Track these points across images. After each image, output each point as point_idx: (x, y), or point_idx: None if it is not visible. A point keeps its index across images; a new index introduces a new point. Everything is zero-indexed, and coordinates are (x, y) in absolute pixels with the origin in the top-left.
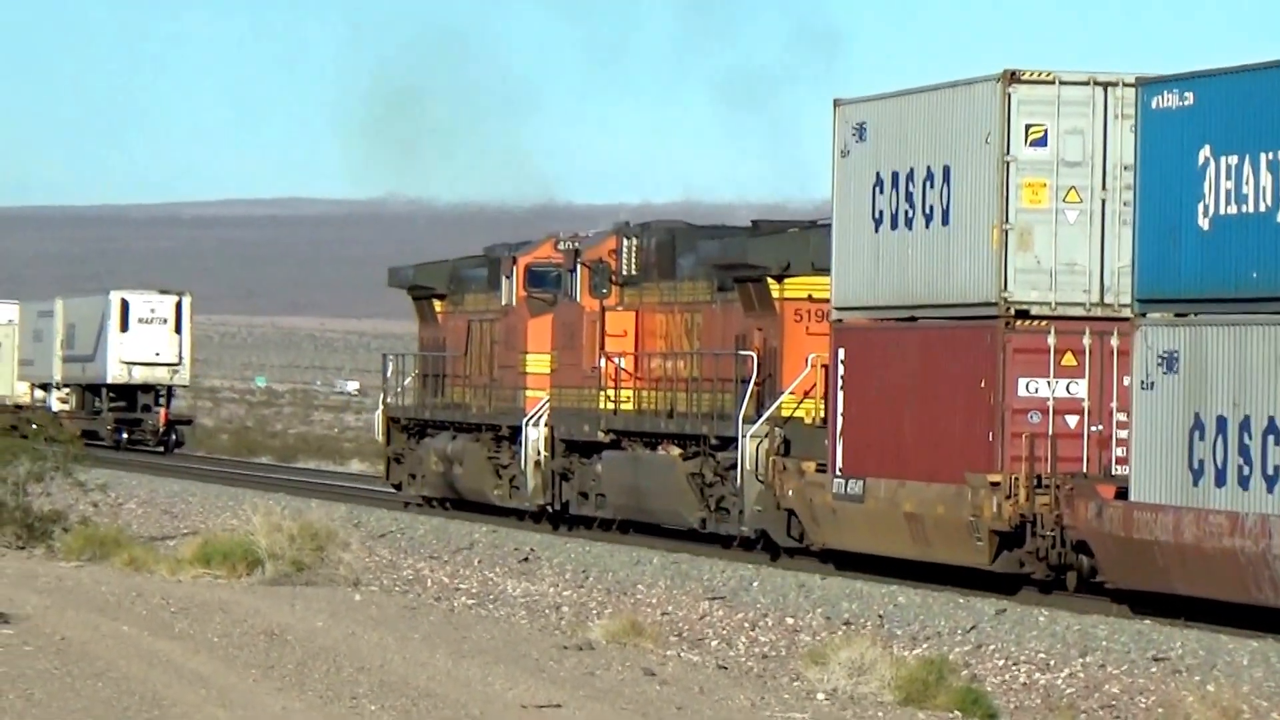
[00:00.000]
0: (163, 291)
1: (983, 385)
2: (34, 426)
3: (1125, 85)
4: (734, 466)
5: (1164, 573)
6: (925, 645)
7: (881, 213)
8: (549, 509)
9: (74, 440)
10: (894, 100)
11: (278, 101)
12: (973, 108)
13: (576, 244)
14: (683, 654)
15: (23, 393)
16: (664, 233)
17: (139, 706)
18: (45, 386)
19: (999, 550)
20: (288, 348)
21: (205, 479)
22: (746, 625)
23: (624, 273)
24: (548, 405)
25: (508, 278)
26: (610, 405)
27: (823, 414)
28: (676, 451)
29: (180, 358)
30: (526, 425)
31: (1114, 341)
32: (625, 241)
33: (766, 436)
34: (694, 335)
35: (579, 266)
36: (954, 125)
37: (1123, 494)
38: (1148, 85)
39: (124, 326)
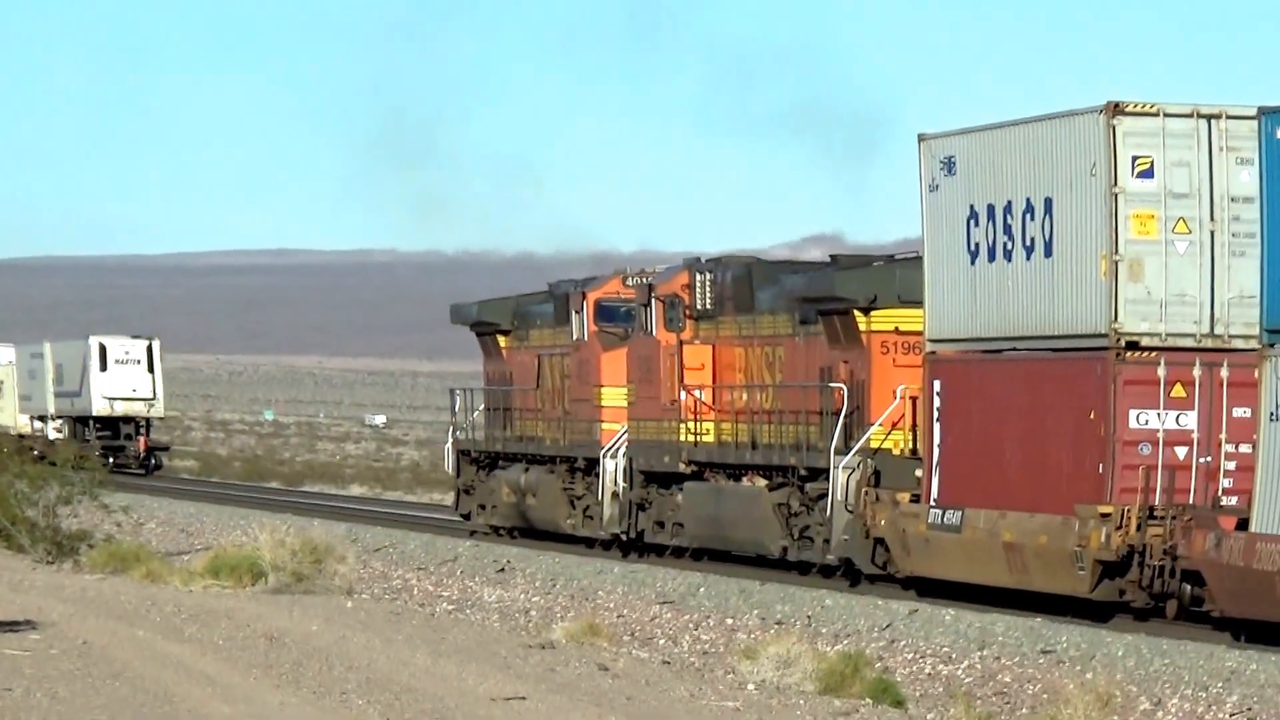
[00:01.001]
0: (134, 336)
1: (1092, 417)
2: (58, 454)
3: (1229, 117)
4: (822, 497)
5: (1275, 602)
6: (845, 642)
7: (977, 245)
8: (623, 537)
9: (100, 468)
10: (985, 134)
11: (278, 157)
12: (1075, 139)
13: (649, 279)
14: (634, 651)
15: (24, 424)
16: (740, 267)
17: (152, 703)
18: (42, 418)
19: (1100, 579)
20: (290, 384)
21: (220, 501)
22: (691, 626)
23: (698, 307)
24: (625, 438)
25: (578, 313)
26: (691, 437)
27: (910, 445)
28: (763, 483)
29: (154, 393)
30: (604, 457)
31: (1224, 373)
32: (698, 276)
33: (858, 468)
34: (775, 368)
35: (653, 301)
36: (1056, 157)
37: (1242, 525)
38: (1270, 115)
39: (103, 367)
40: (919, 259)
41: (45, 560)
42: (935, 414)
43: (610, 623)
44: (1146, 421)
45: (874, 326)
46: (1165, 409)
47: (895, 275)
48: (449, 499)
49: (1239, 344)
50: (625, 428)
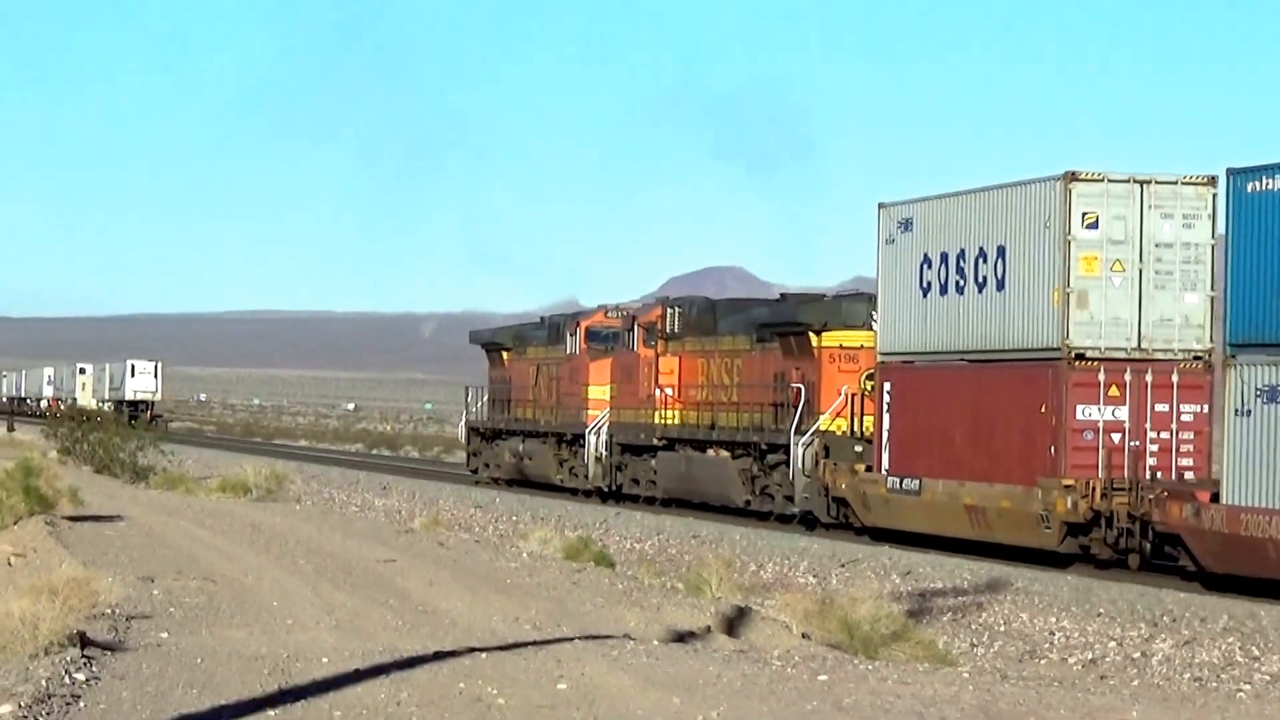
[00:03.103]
0: (149, 359)
1: (1043, 410)
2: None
3: (1157, 182)
4: (777, 466)
5: (1268, 563)
6: (579, 530)
7: (929, 283)
8: (605, 489)
9: (161, 431)
10: (940, 200)
11: (280, 226)
12: (1033, 200)
13: (631, 312)
14: (461, 534)
15: (94, 405)
16: (704, 303)
17: (185, 560)
18: (102, 401)
19: (1064, 537)
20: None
21: (227, 449)
22: (492, 521)
23: (668, 331)
24: (607, 420)
25: (571, 335)
26: (663, 420)
27: (848, 429)
28: (725, 454)
29: (157, 389)
30: (589, 432)
31: (1148, 378)
32: (668, 310)
33: (811, 444)
34: (734, 373)
35: (635, 326)
36: (1011, 215)
37: (1213, 499)
38: (1237, 174)
39: (132, 375)
40: (856, 295)
41: (129, 482)
42: (885, 406)
43: (446, 519)
44: (1089, 415)
45: (824, 343)
46: (1104, 404)
47: (840, 306)
48: (347, 445)
49: (1159, 356)
50: (606, 413)
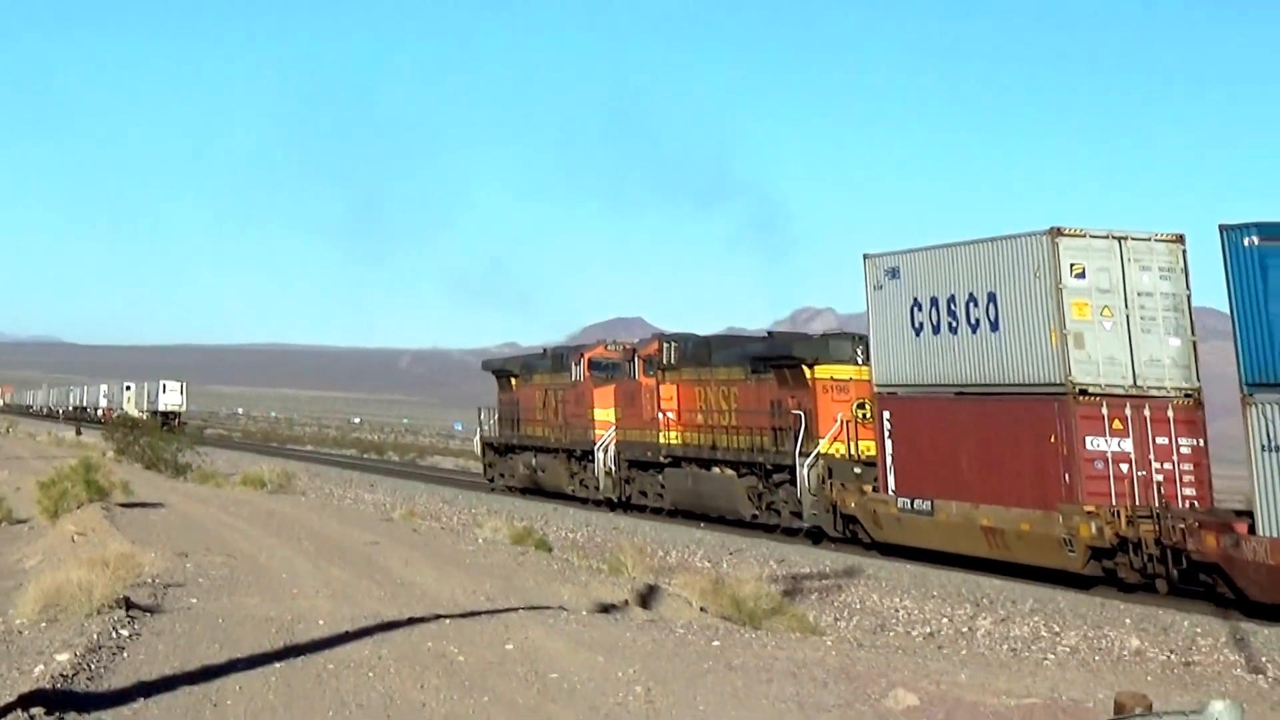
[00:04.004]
0: (175, 379)
1: (1052, 440)
2: (170, 430)
3: (1132, 239)
4: (782, 484)
5: None
6: (524, 521)
7: (921, 324)
8: (614, 499)
9: (194, 435)
10: (925, 252)
11: (290, 276)
12: (1021, 253)
13: (632, 346)
14: (430, 523)
15: (137, 414)
16: (700, 339)
17: (212, 539)
18: (141, 411)
19: (1088, 560)
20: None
21: (249, 451)
22: (460, 511)
23: (665, 362)
24: (613, 438)
25: (576, 365)
26: (665, 440)
27: (845, 452)
28: (731, 472)
29: (183, 403)
30: (598, 449)
31: (1146, 412)
32: (664, 344)
33: (815, 465)
34: (730, 400)
35: (636, 358)
36: (1000, 265)
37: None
38: (1231, 230)
39: (164, 390)
40: (842, 334)
41: (170, 476)
42: (886, 433)
43: (420, 511)
44: (1098, 445)
45: (817, 375)
46: (1110, 436)
47: (829, 344)
48: (343, 450)
49: (1153, 393)
50: (611, 432)
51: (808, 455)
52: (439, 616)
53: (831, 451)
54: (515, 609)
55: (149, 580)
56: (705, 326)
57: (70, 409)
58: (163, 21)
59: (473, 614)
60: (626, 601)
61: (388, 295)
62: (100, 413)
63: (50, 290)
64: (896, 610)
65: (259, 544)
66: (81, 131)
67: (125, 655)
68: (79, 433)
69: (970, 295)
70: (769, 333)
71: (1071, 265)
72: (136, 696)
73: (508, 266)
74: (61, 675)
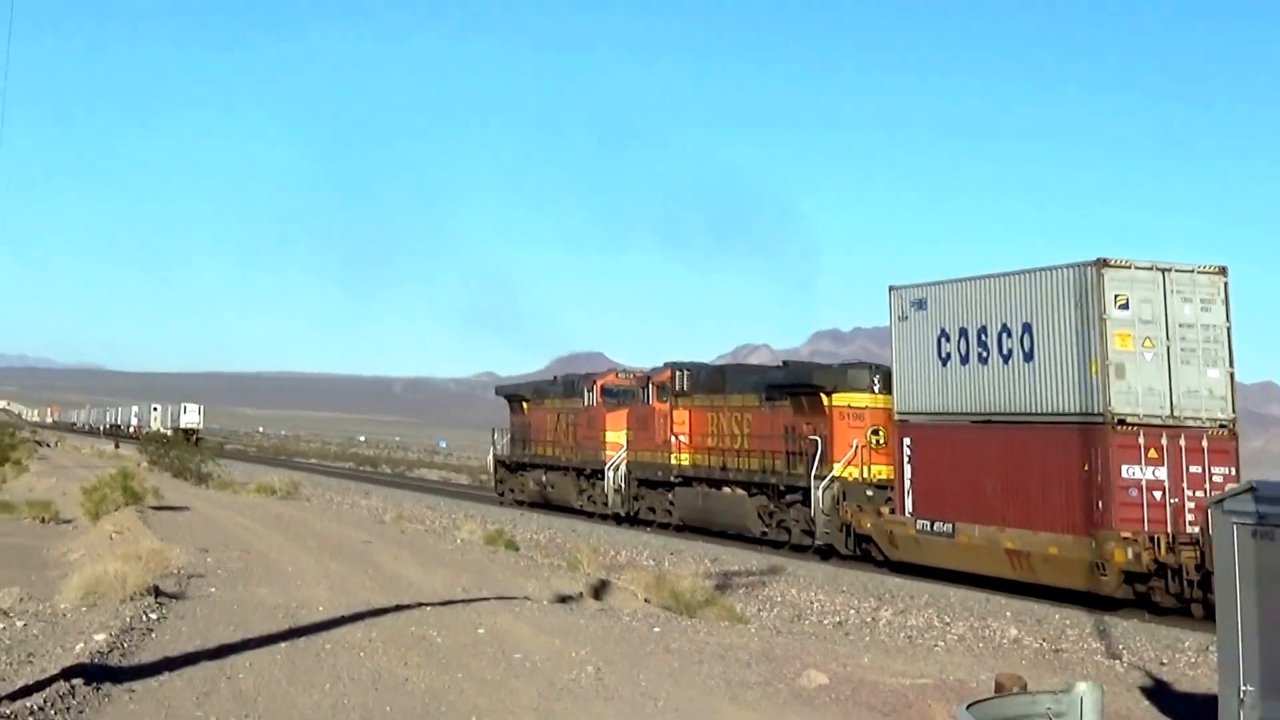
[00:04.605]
0: (196, 402)
1: (1086, 469)
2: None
3: (1176, 270)
4: (794, 504)
5: None
6: (495, 524)
7: (948, 354)
8: (622, 515)
9: (215, 449)
10: (953, 284)
11: (300, 311)
12: (1062, 284)
13: (646, 374)
14: (416, 526)
15: (163, 431)
16: (713, 368)
17: (229, 538)
18: (165, 428)
19: (1121, 583)
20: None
21: (262, 464)
22: (442, 516)
23: (677, 389)
24: (624, 458)
25: (589, 390)
26: (677, 461)
27: (858, 475)
28: (741, 491)
29: (200, 422)
30: (608, 469)
31: (1181, 442)
32: (677, 372)
33: (829, 487)
34: (743, 425)
35: (650, 385)
36: (1038, 297)
37: None
38: None
39: (184, 412)
40: (860, 364)
41: (195, 484)
42: (906, 459)
43: (406, 515)
44: (1133, 474)
45: (835, 403)
46: (1144, 465)
47: (847, 373)
48: (342, 463)
49: (1189, 423)
50: (622, 453)
51: (823, 478)
52: (421, 605)
53: (845, 475)
54: (486, 599)
55: (175, 572)
56: (653, 360)
57: (108, 426)
58: (191, 98)
59: (450, 603)
60: (581, 593)
61: (384, 330)
62: (132, 429)
63: (94, 323)
64: (811, 603)
65: (269, 542)
66: (123, 185)
67: (153, 635)
68: (117, 446)
69: (1003, 326)
70: (784, 362)
71: (1116, 296)
72: (162, 670)
73: (489, 304)
74: (99, 652)
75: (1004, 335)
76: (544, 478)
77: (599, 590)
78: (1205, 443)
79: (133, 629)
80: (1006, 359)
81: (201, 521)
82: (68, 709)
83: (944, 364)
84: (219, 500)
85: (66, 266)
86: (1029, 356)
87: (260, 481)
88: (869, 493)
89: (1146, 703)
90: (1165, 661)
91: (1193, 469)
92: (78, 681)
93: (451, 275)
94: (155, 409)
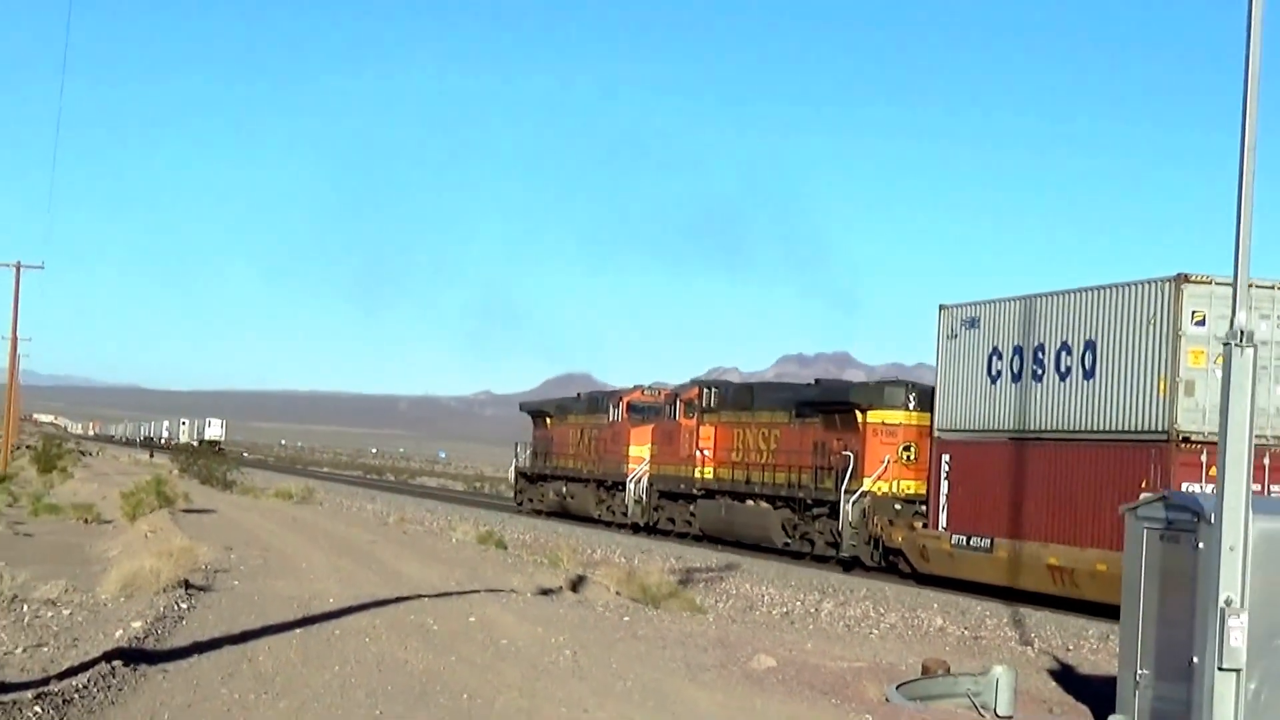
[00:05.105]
0: (217, 418)
1: (1144, 486)
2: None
3: (1256, 286)
4: (819, 517)
5: None
6: (486, 525)
7: (1000, 371)
8: (641, 524)
9: (236, 459)
10: (1008, 301)
11: (314, 334)
12: (1133, 300)
13: (673, 391)
14: (416, 527)
15: (190, 442)
16: (740, 385)
17: (251, 537)
18: (192, 440)
19: None
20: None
21: (280, 472)
22: (439, 519)
23: (704, 406)
24: (647, 471)
25: (615, 407)
26: (700, 474)
27: (887, 490)
28: (766, 504)
29: (223, 434)
30: (630, 481)
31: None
32: (704, 390)
33: (858, 501)
34: (770, 441)
35: (677, 401)
36: (1104, 313)
37: None
38: None
39: (208, 425)
40: (896, 382)
41: (221, 489)
42: (943, 474)
43: (407, 518)
44: (1194, 491)
45: (869, 420)
46: (1205, 483)
47: (884, 391)
48: (350, 472)
49: (1256, 441)
50: (645, 466)
51: (853, 492)
52: (420, 596)
53: (875, 489)
54: (477, 591)
55: (203, 567)
56: (634, 380)
57: (143, 438)
58: (220, 134)
59: (445, 594)
60: (561, 587)
61: (390, 353)
62: (164, 441)
63: (131, 347)
64: (762, 596)
65: (286, 541)
66: (157, 220)
67: (184, 623)
68: (151, 455)
69: (1063, 343)
70: (816, 380)
71: (1193, 313)
72: (192, 653)
73: (488, 328)
74: (135, 638)
75: (1063, 352)
76: (564, 489)
77: (576, 584)
78: (1267, 460)
79: (165, 617)
80: (1064, 376)
81: (226, 523)
82: (109, 687)
83: (993, 381)
84: (242, 504)
85: (107, 297)
86: (1089, 374)
87: (278, 487)
88: (897, 506)
89: (1054, 684)
90: (1071, 648)
91: (1254, 487)
92: (117, 663)
93: (454, 300)
94: (184, 423)
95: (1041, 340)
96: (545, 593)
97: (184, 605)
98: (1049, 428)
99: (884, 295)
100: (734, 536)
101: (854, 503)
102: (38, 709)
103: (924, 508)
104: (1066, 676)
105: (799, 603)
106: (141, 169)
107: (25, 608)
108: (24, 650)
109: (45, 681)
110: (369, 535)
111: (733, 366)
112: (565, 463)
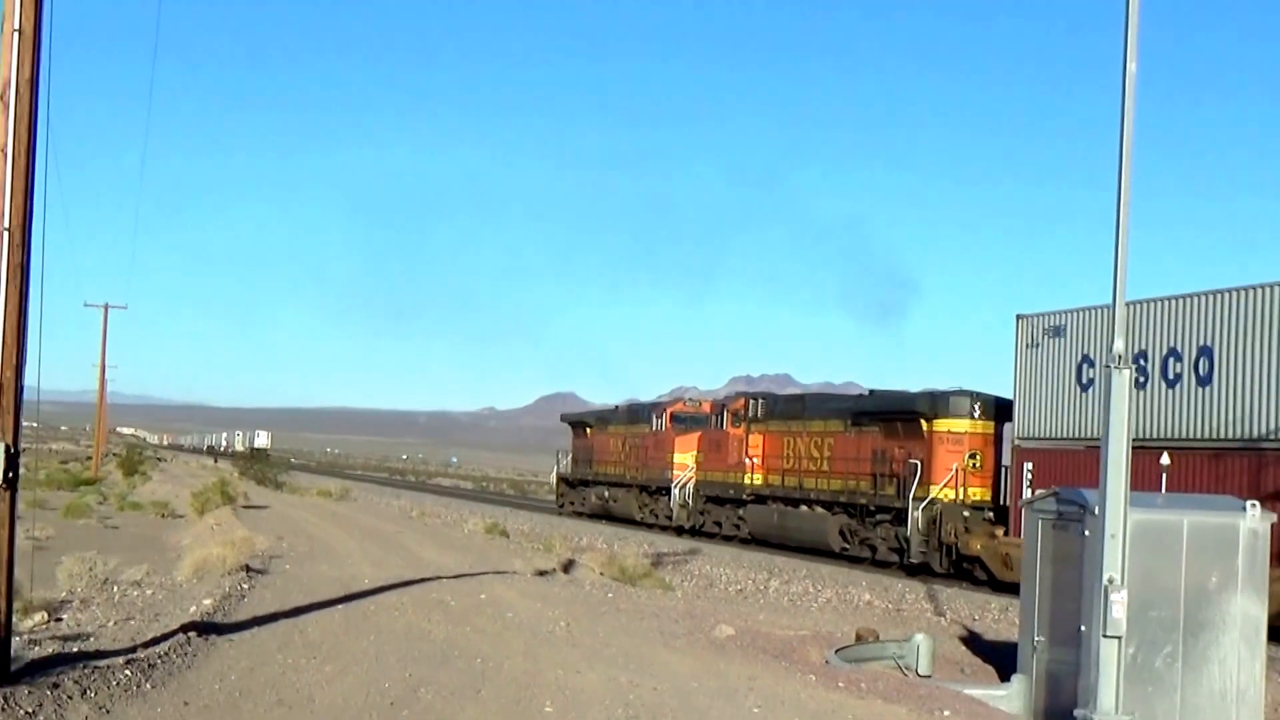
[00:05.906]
0: (264, 429)
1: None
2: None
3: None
4: (880, 523)
5: None
6: (492, 520)
7: (1091, 379)
8: (685, 527)
9: (284, 464)
10: (1097, 309)
11: (348, 356)
12: (1256, 304)
13: (720, 401)
14: (434, 519)
15: (244, 450)
16: (791, 396)
17: (299, 529)
18: (246, 448)
19: None
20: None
21: (321, 474)
22: (451, 514)
23: (750, 416)
24: (692, 477)
25: (659, 417)
26: (749, 481)
27: (954, 497)
28: (822, 510)
29: (269, 443)
30: (674, 487)
31: None
32: (750, 400)
33: (928, 509)
34: (824, 449)
35: (724, 411)
36: (1224, 317)
37: None
38: None
39: (257, 435)
40: (961, 391)
41: (273, 489)
42: (1026, 483)
43: (424, 513)
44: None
45: (935, 428)
46: None
47: (949, 400)
48: (379, 474)
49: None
50: (689, 473)
51: (921, 499)
52: (439, 578)
53: (941, 497)
54: (486, 573)
55: (260, 554)
56: (612, 398)
57: (206, 447)
58: (275, 199)
59: (460, 576)
60: (555, 569)
61: (411, 376)
62: (224, 449)
63: (200, 369)
64: (720, 575)
65: (328, 532)
66: (224, 266)
67: (245, 600)
68: (215, 461)
69: (1170, 349)
70: (871, 391)
71: None
72: (252, 625)
73: (492, 351)
74: (206, 613)
75: (1171, 359)
76: (606, 493)
77: (568, 566)
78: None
79: (230, 596)
80: (1173, 384)
81: (278, 517)
82: (185, 654)
83: (1084, 390)
84: (290, 501)
85: (180, 330)
86: (1204, 380)
87: (320, 487)
88: (965, 514)
89: (964, 649)
90: (977, 618)
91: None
92: (192, 634)
93: (469, 328)
94: (238, 434)
95: (1144, 346)
96: (542, 574)
97: (245, 586)
98: (1153, 436)
99: (822, 322)
100: (787, 540)
101: (923, 509)
102: (128, 672)
103: (990, 514)
104: (975, 642)
105: (750, 581)
106: (212, 227)
107: (115, 588)
108: (115, 623)
109: (133, 649)
110: (395, 526)
111: (693, 385)
112: (607, 469)
